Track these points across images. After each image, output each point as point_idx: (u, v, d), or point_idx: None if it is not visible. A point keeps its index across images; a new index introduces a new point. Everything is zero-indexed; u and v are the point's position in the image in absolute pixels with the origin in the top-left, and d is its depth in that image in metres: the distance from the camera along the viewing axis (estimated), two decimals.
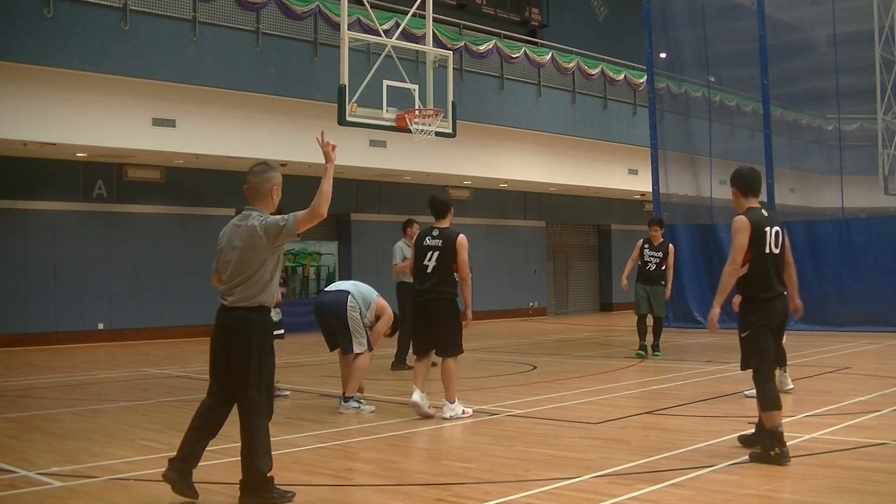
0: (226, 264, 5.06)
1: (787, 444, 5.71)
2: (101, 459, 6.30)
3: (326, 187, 4.86)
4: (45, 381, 11.27)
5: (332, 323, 8.21)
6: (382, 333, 8.48)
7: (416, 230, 11.92)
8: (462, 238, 7.84)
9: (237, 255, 4.98)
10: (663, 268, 12.78)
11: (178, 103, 15.62)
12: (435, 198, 8.12)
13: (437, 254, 7.82)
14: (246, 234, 4.97)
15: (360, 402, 8.18)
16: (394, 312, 8.71)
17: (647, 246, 12.84)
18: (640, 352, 12.90)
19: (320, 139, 5.09)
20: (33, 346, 16.09)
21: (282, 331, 9.52)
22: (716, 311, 6.01)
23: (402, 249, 11.91)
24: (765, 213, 6.02)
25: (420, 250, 7.93)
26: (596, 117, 22.94)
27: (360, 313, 8.18)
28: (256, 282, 4.96)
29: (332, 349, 8.49)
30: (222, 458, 5.88)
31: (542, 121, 21.48)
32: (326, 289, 8.78)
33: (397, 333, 9.79)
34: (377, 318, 8.39)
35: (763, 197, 16.07)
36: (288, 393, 9.40)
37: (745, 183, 6.12)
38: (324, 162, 4.99)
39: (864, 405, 7.94)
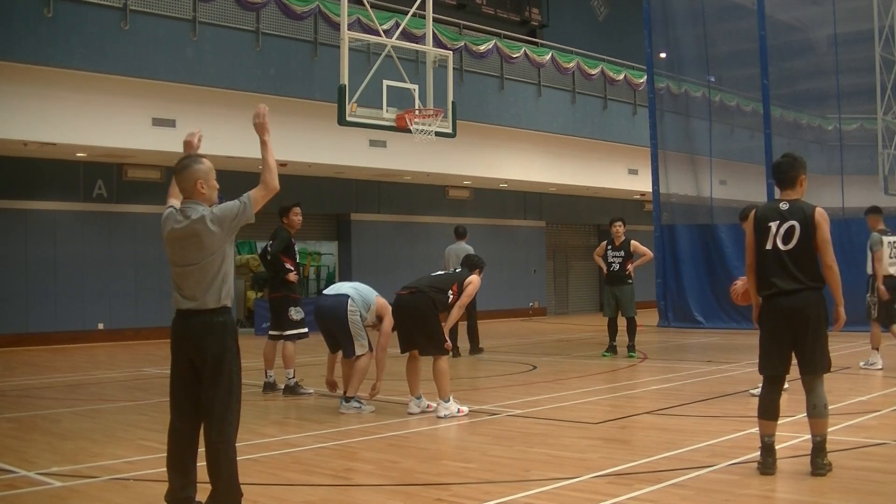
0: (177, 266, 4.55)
1: (776, 454, 5.47)
2: (101, 459, 6.30)
3: (270, 160, 4.63)
4: (45, 381, 11.27)
5: (333, 326, 8.20)
6: (389, 333, 8.41)
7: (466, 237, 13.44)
8: (476, 280, 8.21)
9: (191, 253, 4.50)
10: (628, 267, 12.60)
11: (178, 103, 15.62)
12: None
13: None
14: (193, 230, 4.47)
15: (361, 403, 8.19)
16: None
17: (609, 246, 12.75)
18: (606, 353, 12.78)
19: (259, 113, 4.74)
20: (33, 346, 16.09)
21: (305, 329, 9.55)
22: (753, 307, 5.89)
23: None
24: (783, 206, 5.55)
25: None
26: (596, 117, 22.94)
27: (361, 316, 8.16)
28: (216, 279, 4.49)
29: (333, 351, 8.48)
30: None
31: (542, 121, 21.48)
32: (325, 291, 8.72)
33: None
34: (379, 318, 8.35)
35: (763, 197, 16.08)
36: (312, 392, 9.44)
37: (773, 174, 5.74)
38: (260, 137, 4.67)
39: (864, 405, 7.93)
